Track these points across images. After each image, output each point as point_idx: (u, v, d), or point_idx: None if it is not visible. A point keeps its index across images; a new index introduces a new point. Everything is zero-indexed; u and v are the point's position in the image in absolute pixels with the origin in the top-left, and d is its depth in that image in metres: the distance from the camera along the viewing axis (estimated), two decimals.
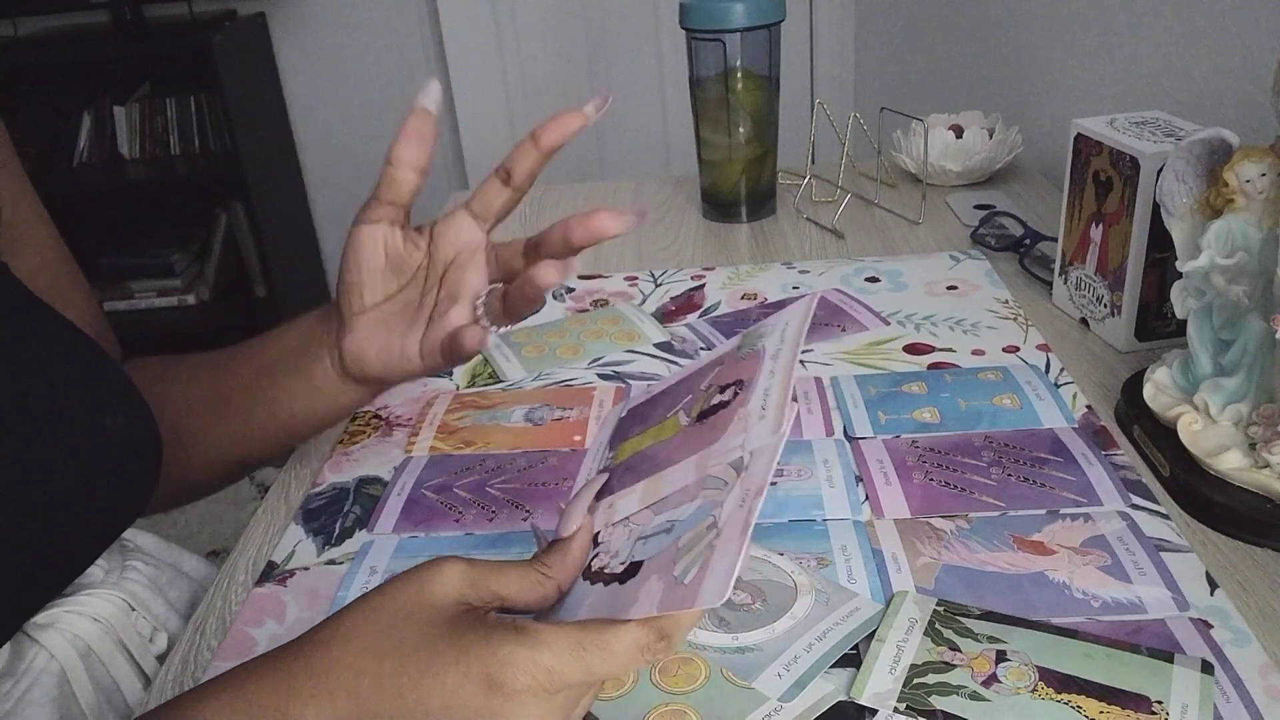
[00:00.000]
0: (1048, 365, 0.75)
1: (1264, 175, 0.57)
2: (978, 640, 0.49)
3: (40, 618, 0.54)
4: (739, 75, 1.01)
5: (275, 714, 0.36)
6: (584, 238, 0.54)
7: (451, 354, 0.57)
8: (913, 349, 0.79)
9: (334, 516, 0.64)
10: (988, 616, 0.51)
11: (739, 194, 1.08)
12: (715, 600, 0.35)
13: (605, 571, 0.41)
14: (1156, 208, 0.66)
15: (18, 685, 0.52)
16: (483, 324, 0.57)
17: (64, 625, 0.54)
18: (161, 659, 0.59)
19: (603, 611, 0.39)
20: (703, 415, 0.45)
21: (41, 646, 0.53)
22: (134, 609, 0.58)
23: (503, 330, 0.57)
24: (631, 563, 0.40)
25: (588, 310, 0.90)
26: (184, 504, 0.67)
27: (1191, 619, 0.50)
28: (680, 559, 0.38)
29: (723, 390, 0.45)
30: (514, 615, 0.41)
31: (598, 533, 0.44)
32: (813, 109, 1.12)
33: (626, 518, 0.43)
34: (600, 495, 0.45)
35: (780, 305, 0.88)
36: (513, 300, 0.56)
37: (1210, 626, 0.50)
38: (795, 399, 0.41)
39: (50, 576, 0.53)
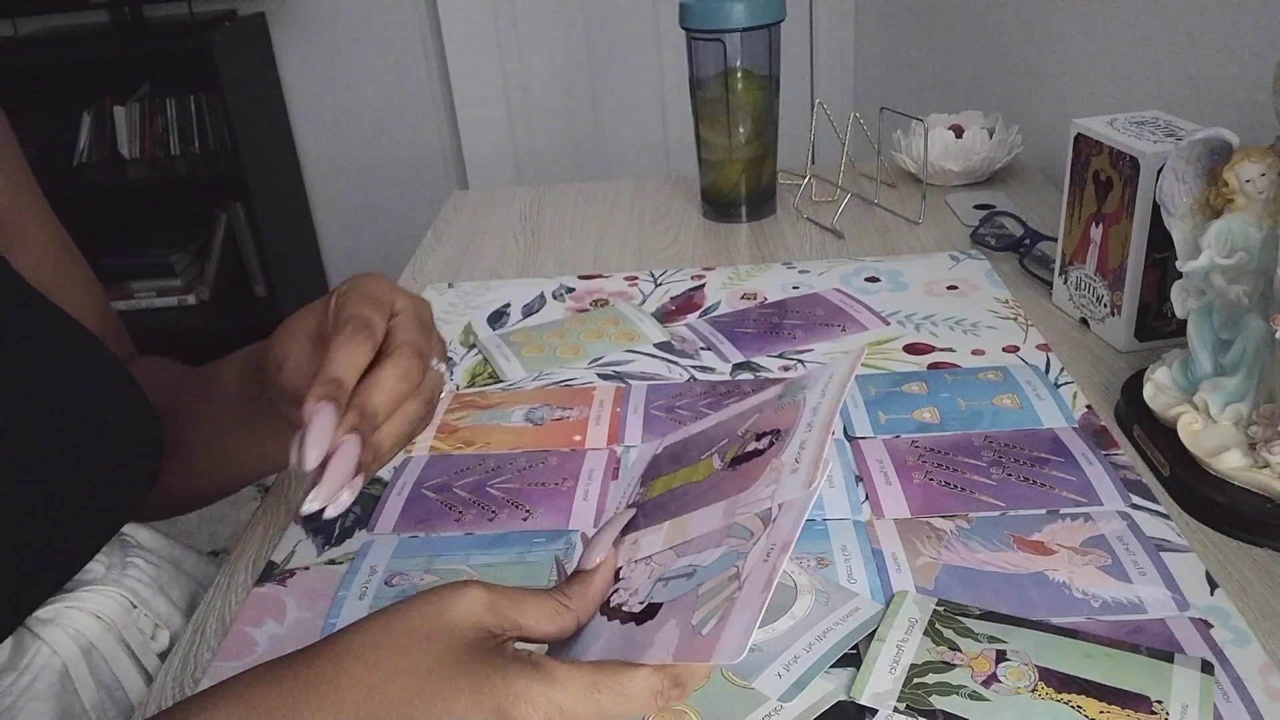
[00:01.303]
0: (1048, 365, 0.75)
1: (1264, 175, 0.57)
2: (978, 640, 0.49)
3: (42, 613, 0.54)
4: (739, 75, 1.01)
5: None
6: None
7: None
8: (913, 349, 0.79)
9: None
10: (988, 616, 0.51)
11: (739, 194, 1.08)
12: (732, 658, 0.35)
13: (623, 609, 0.41)
14: (1156, 208, 0.66)
15: (19, 680, 0.52)
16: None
17: (66, 621, 0.54)
18: (164, 657, 0.59)
19: (617, 650, 0.39)
20: (736, 461, 0.45)
21: (44, 642, 0.53)
22: (135, 606, 0.58)
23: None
24: (650, 604, 0.40)
25: (588, 310, 0.90)
26: (174, 515, 0.66)
27: (1191, 619, 0.50)
28: (699, 607, 0.38)
29: (759, 438, 0.45)
30: (529, 646, 0.40)
31: (619, 568, 0.44)
32: (813, 109, 1.12)
33: (649, 556, 0.43)
34: (626, 530, 0.45)
35: (780, 305, 0.88)
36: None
37: (1210, 626, 0.50)
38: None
39: (51, 571, 0.53)
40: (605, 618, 0.41)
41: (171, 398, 0.61)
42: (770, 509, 0.40)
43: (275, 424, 0.54)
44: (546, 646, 0.42)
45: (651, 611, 0.39)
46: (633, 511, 0.46)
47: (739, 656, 0.35)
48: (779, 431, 0.44)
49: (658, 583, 0.41)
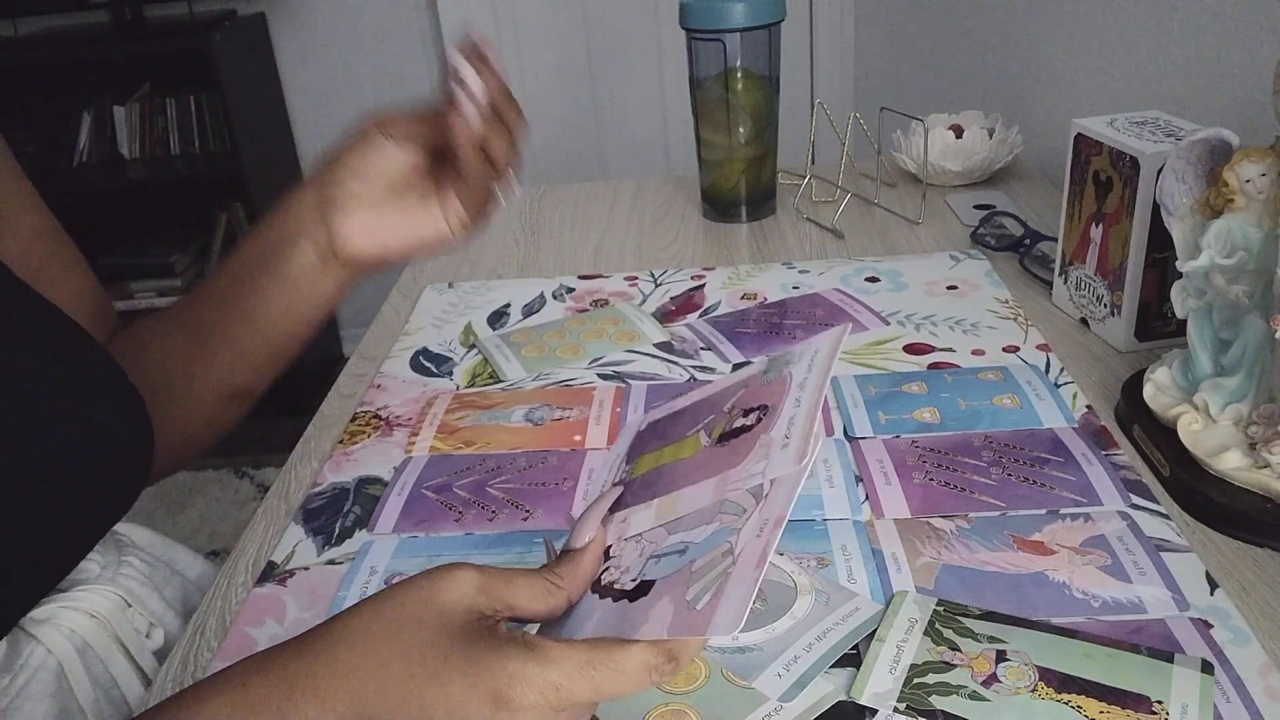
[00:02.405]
0: (1048, 365, 0.75)
1: (1264, 175, 0.57)
2: (978, 640, 0.49)
3: (37, 613, 0.54)
4: (739, 75, 1.01)
5: (275, 712, 0.36)
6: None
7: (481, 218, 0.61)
8: (913, 349, 0.79)
9: (334, 516, 0.64)
10: (988, 616, 0.51)
11: (739, 194, 1.08)
12: (728, 630, 0.35)
13: (615, 587, 0.41)
14: (1156, 208, 0.66)
15: (15, 680, 0.51)
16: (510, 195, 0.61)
17: (61, 621, 0.54)
18: (159, 655, 0.59)
19: (610, 628, 0.39)
20: (724, 437, 0.45)
21: (38, 642, 0.53)
22: (130, 605, 0.58)
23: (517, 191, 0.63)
24: (642, 581, 0.40)
25: (588, 310, 0.90)
26: (187, 457, 0.66)
27: (1191, 619, 0.50)
28: (693, 583, 0.38)
29: (746, 414, 0.45)
30: (522, 626, 0.41)
31: (609, 546, 0.44)
32: (813, 109, 1.12)
33: (639, 534, 0.43)
34: (614, 508, 0.45)
35: (780, 305, 0.88)
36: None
37: (1210, 626, 0.50)
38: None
39: (44, 571, 0.53)
40: (597, 596, 0.41)
41: (155, 335, 0.64)
42: (762, 485, 0.40)
43: (317, 262, 0.61)
44: (538, 626, 0.42)
45: (644, 589, 0.40)
46: (620, 489, 0.46)
47: (736, 629, 0.35)
48: (766, 407, 0.44)
49: (649, 560, 0.41)
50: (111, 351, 0.63)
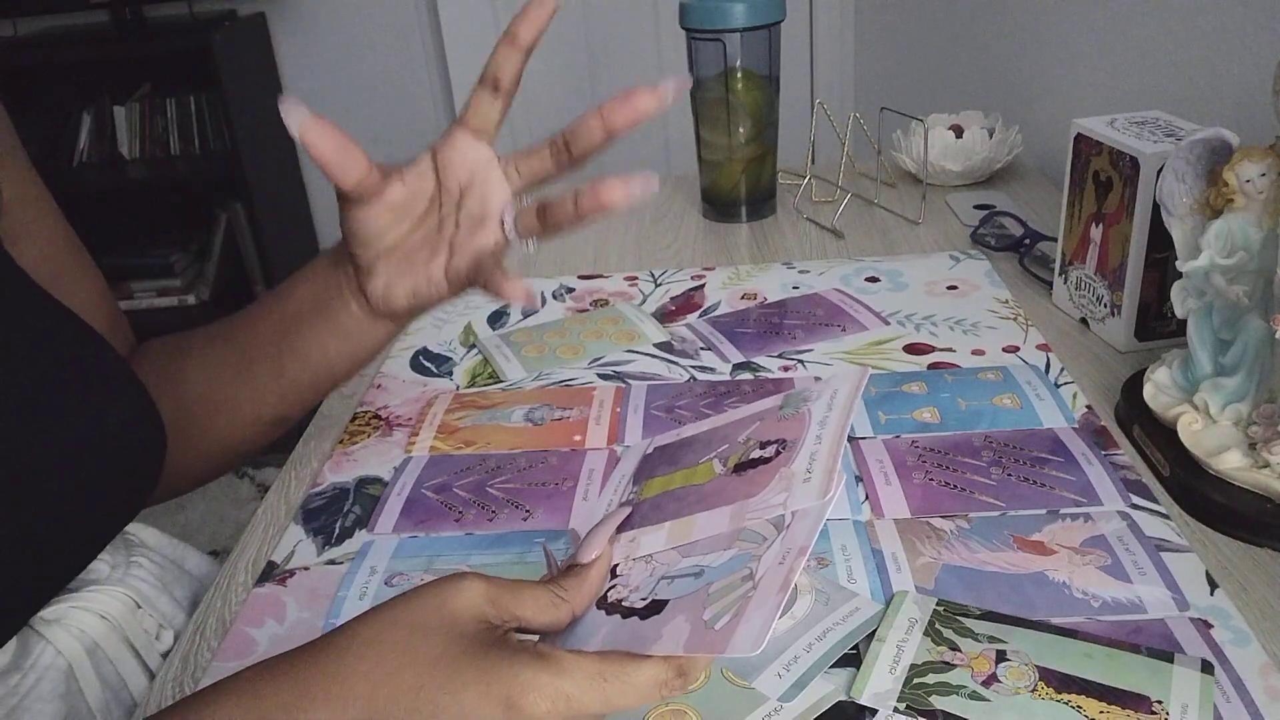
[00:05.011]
0: (1048, 365, 0.75)
1: (1264, 175, 0.57)
2: (978, 640, 0.49)
3: (47, 613, 0.54)
4: (739, 75, 1.01)
5: (286, 717, 0.36)
6: (625, 119, 0.56)
7: (480, 275, 0.57)
8: (913, 349, 0.79)
9: (334, 516, 0.64)
10: (988, 616, 0.51)
11: (739, 194, 1.08)
12: (749, 650, 0.35)
13: (623, 604, 0.41)
14: (1156, 208, 0.66)
15: (24, 680, 0.52)
16: (511, 239, 0.56)
17: (70, 621, 0.54)
18: (168, 656, 0.59)
19: (620, 643, 0.39)
20: (740, 467, 0.45)
21: (48, 642, 0.53)
22: (140, 606, 0.58)
23: (533, 247, 0.57)
24: (654, 600, 0.41)
25: (588, 310, 0.90)
26: (221, 473, 0.66)
27: (1191, 619, 0.50)
28: (710, 604, 0.39)
29: (763, 446, 0.45)
30: (528, 637, 0.41)
31: (616, 564, 0.44)
32: (813, 109, 1.12)
33: (650, 555, 0.43)
34: (622, 527, 0.46)
35: (780, 305, 0.88)
36: (555, 214, 0.56)
37: (1210, 626, 0.50)
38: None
39: (54, 571, 0.53)
40: (603, 613, 0.41)
41: (194, 357, 0.64)
42: (783, 516, 0.40)
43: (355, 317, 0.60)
44: (538, 638, 0.42)
45: (656, 607, 0.40)
46: (628, 509, 0.47)
47: (757, 649, 0.35)
48: (785, 441, 0.44)
49: (661, 580, 0.41)
50: (143, 369, 0.63)
